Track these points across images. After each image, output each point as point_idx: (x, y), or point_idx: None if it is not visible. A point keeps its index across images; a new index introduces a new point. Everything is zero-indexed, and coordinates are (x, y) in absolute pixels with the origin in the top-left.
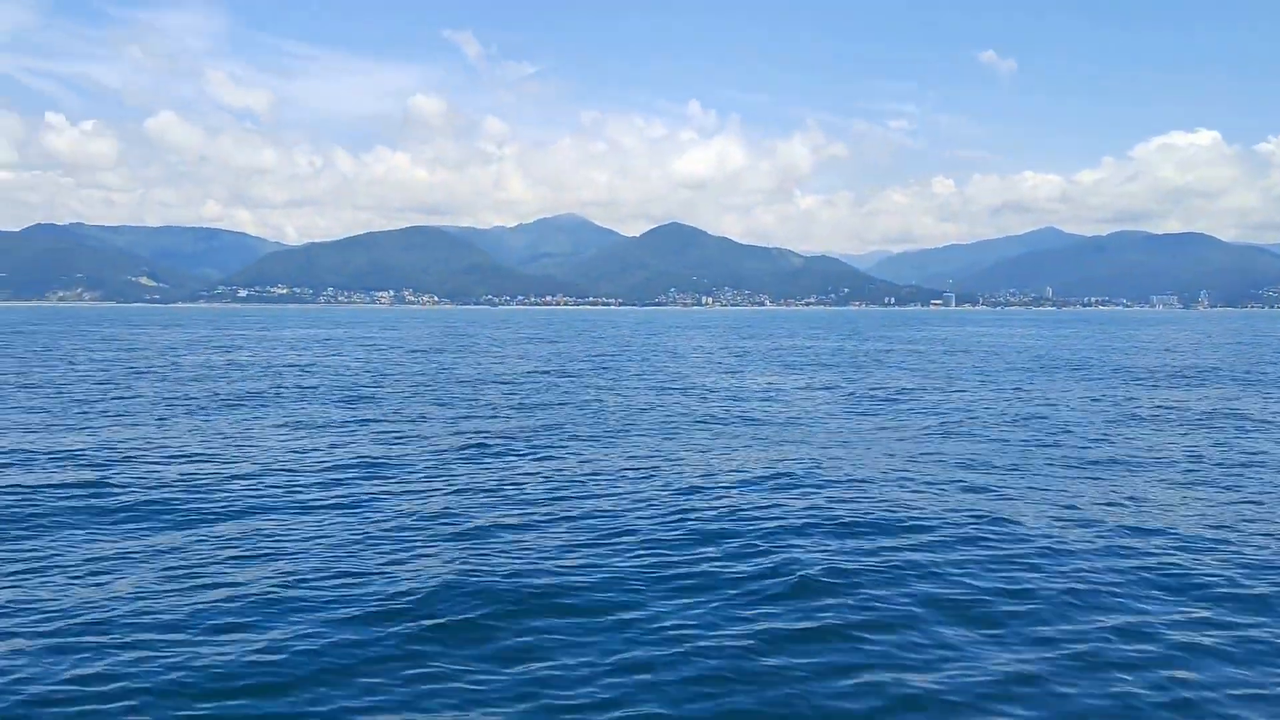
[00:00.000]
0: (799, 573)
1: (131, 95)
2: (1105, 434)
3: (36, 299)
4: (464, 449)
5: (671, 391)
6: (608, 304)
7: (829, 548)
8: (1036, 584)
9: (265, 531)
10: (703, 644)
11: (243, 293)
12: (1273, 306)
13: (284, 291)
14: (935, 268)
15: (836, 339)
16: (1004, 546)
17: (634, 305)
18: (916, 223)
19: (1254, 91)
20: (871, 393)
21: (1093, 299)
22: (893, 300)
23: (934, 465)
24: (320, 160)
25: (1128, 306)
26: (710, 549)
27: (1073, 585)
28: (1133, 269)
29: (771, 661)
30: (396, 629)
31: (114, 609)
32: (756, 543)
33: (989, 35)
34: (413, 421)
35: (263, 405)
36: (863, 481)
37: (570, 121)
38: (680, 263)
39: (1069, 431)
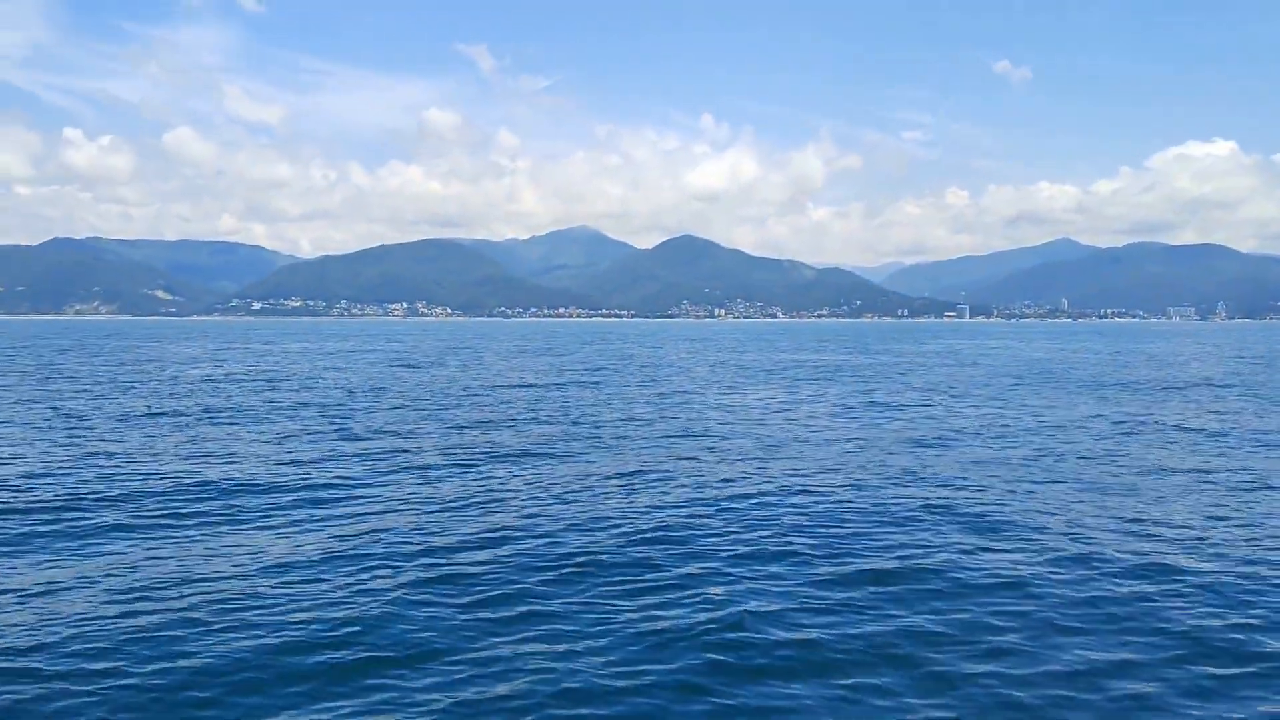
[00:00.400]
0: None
1: (149, 110)
2: (1096, 449)
3: (54, 312)
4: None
5: (666, 406)
6: (620, 316)
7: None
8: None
9: (216, 546)
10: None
11: (257, 305)
12: None
13: (298, 304)
14: (949, 279)
15: (845, 352)
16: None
17: (646, 317)
18: (930, 234)
19: (1272, 101)
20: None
21: (1109, 311)
22: (906, 312)
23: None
24: (334, 174)
25: (1144, 319)
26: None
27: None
28: (1149, 281)
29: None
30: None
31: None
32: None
33: (1003, 44)
34: (387, 436)
35: (244, 419)
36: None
37: (583, 134)
38: (692, 275)
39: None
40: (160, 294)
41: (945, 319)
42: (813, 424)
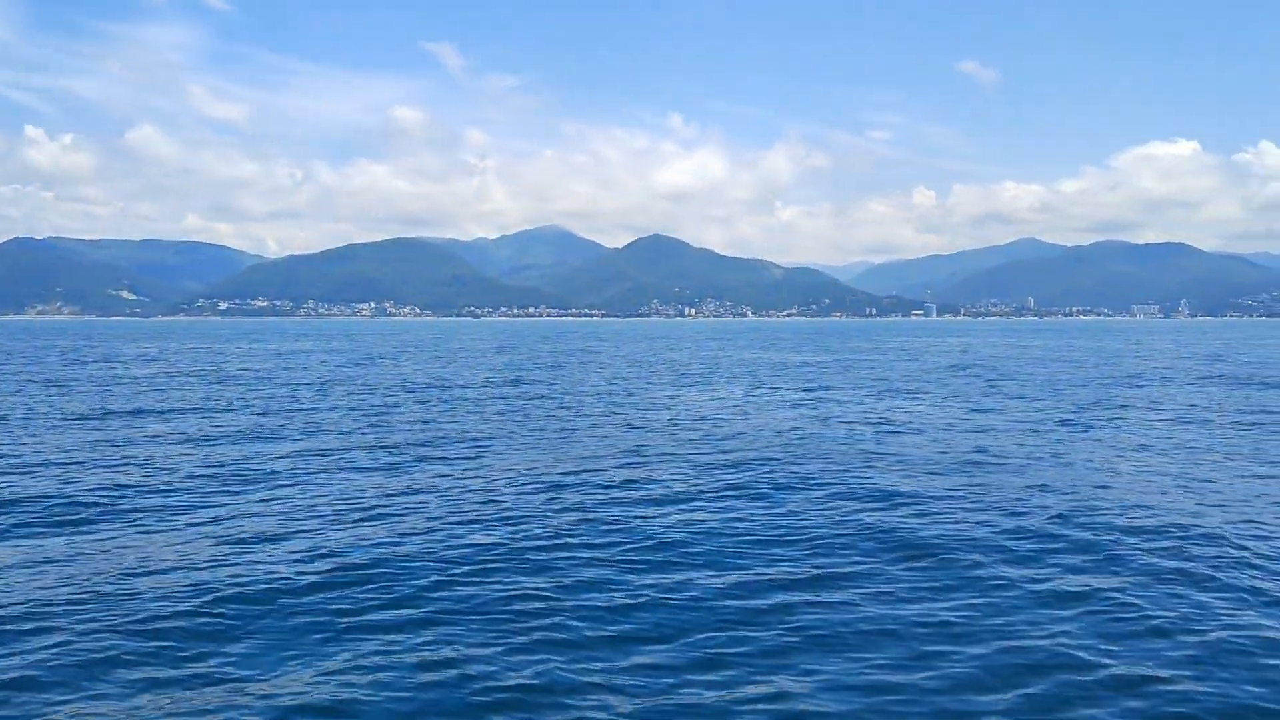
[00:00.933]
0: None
1: (111, 108)
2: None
3: (14, 313)
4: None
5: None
6: (590, 315)
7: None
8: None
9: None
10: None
11: (223, 305)
12: (1252, 315)
13: (264, 304)
14: (916, 278)
15: (807, 351)
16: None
17: (616, 317)
18: (897, 233)
19: (1233, 102)
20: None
21: (1074, 309)
22: (874, 311)
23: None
24: (301, 172)
25: (1109, 316)
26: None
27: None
28: (1114, 279)
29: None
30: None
31: None
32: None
33: (971, 45)
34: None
35: (181, 416)
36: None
37: (552, 133)
38: (662, 274)
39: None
40: (125, 294)
41: (913, 317)
42: (740, 415)
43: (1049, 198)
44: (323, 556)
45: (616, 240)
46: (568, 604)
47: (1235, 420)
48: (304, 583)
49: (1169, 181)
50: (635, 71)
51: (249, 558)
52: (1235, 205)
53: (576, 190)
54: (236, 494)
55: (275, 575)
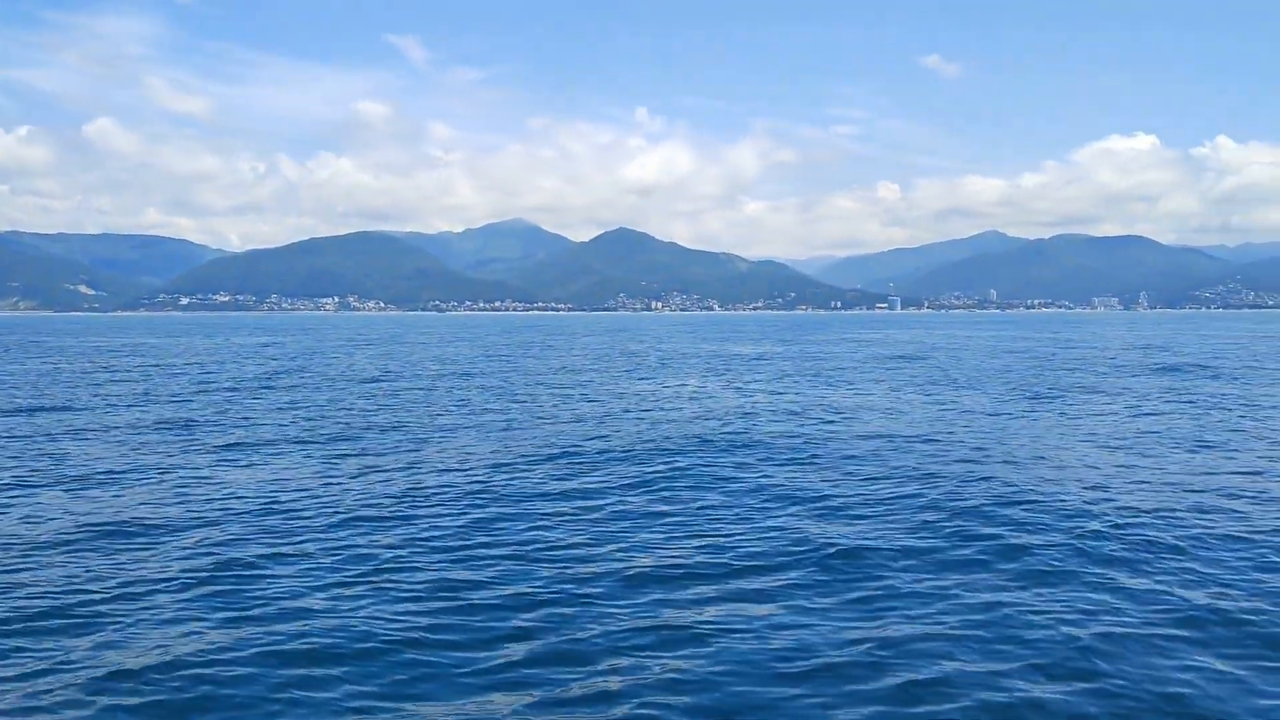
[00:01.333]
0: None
1: (68, 101)
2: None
3: None
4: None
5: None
6: (557, 309)
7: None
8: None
9: None
10: None
11: (184, 300)
12: (1209, 307)
13: (226, 299)
14: (880, 272)
15: (769, 344)
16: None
17: (583, 310)
18: (862, 228)
19: (1191, 96)
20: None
21: (1035, 301)
22: (839, 304)
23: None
24: (263, 166)
25: (1070, 308)
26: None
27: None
28: (1075, 271)
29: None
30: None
31: None
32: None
33: (934, 39)
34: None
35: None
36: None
37: (517, 127)
38: (629, 268)
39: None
40: (83, 289)
41: (877, 310)
42: (682, 403)
43: (1011, 192)
44: (204, 551)
45: (583, 234)
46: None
47: (1159, 403)
48: (179, 580)
49: (1128, 175)
50: (601, 65)
51: (131, 550)
52: (1193, 199)
53: (542, 184)
54: (131, 484)
55: (148, 569)
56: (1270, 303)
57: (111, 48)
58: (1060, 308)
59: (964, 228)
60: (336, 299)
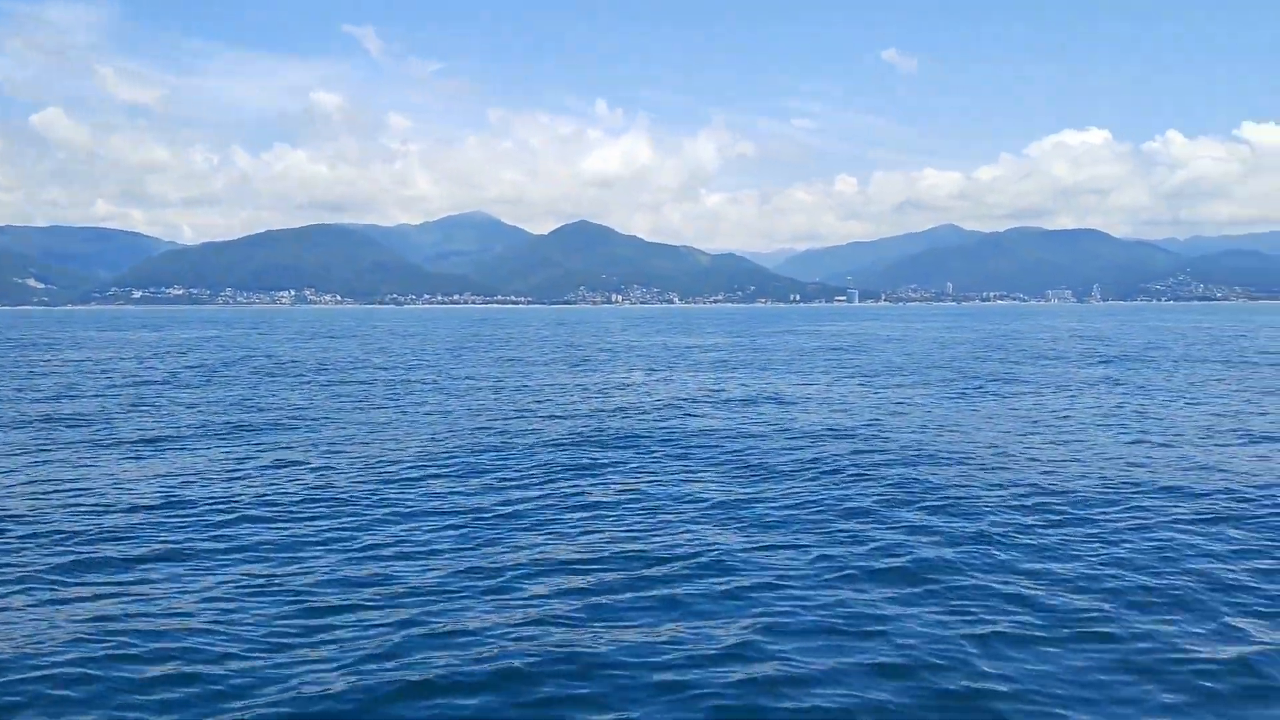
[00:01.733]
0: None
1: (16, 90)
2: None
3: None
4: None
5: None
6: (517, 302)
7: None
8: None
9: None
10: None
11: (137, 294)
12: (1160, 300)
13: (180, 292)
14: (839, 265)
15: (721, 335)
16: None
17: (543, 303)
18: (820, 221)
19: (1143, 92)
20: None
21: (991, 294)
22: (798, 297)
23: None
24: (217, 158)
25: (1025, 301)
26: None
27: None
28: (1030, 264)
29: None
30: None
31: None
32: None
33: (892, 33)
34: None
35: None
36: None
37: (476, 119)
38: (589, 261)
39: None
40: (31, 283)
41: (836, 303)
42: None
43: (967, 185)
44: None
45: (543, 227)
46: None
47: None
48: (49, 575)
49: (1081, 169)
50: (560, 57)
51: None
52: (1144, 193)
53: (502, 176)
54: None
55: None
56: (1218, 295)
57: (60, 36)
58: (1015, 300)
59: (921, 221)
60: (293, 292)
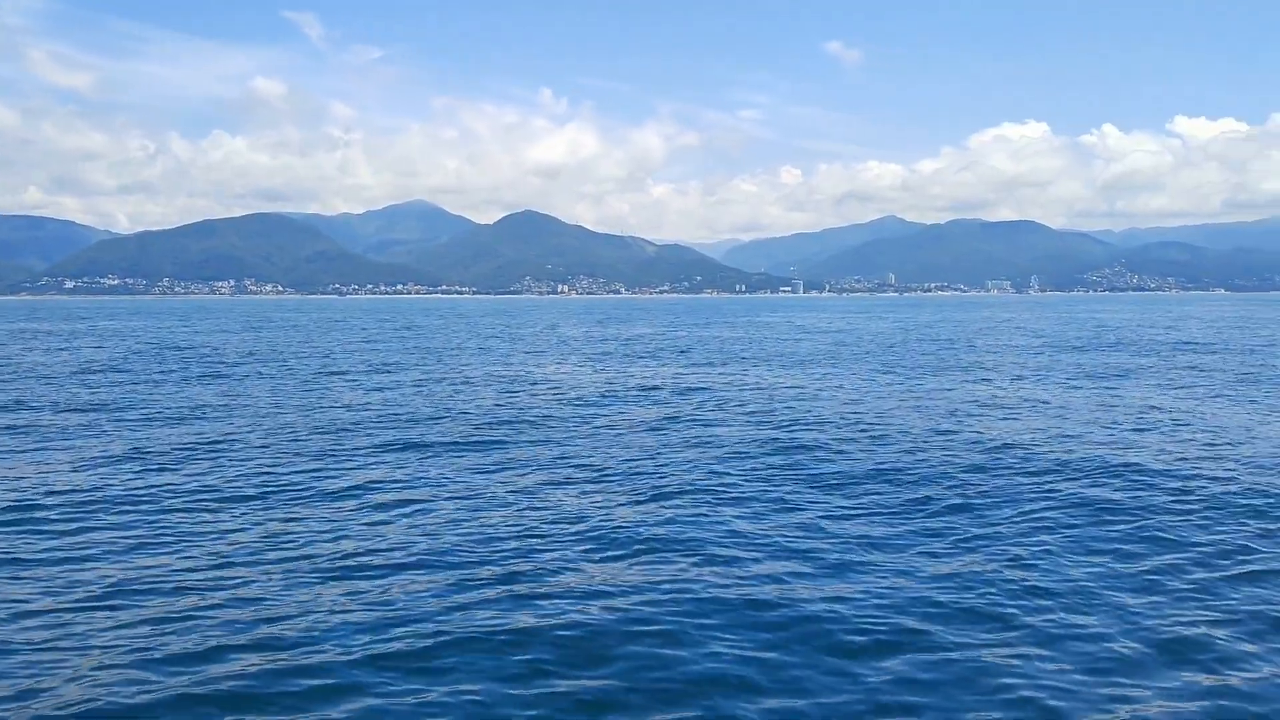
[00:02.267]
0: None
1: None
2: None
3: None
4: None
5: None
6: (461, 293)
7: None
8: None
9: None
10: None
11: (70, 284)
12: (1096, 290)
13: (115, 282)
14: (784, 255)
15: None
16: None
17: (488, 294)
18: (765, 212)
19: (1079, 86)
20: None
21: (932, 284)
22: (743, 288)
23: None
24: (153, 145)
25: (965, 291)
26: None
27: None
28: (970, 255)
29: None
30: None
31: None
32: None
33: (835, 25)
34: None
35: None
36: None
37: (419, 107)
38: (535, 251)
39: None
40: None
41: (781, 294)
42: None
43: (909, 177)
44: None
45: (487, 216)
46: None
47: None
48: None
49: (1020, 162)
50: (504, 45)
51: None
52: (1081, 185)
53: (445, 165)
54: None
55: None
56: (1152, 285)
57: None
58: (956, 291)
59: (864, 212)
60: (233, 282)
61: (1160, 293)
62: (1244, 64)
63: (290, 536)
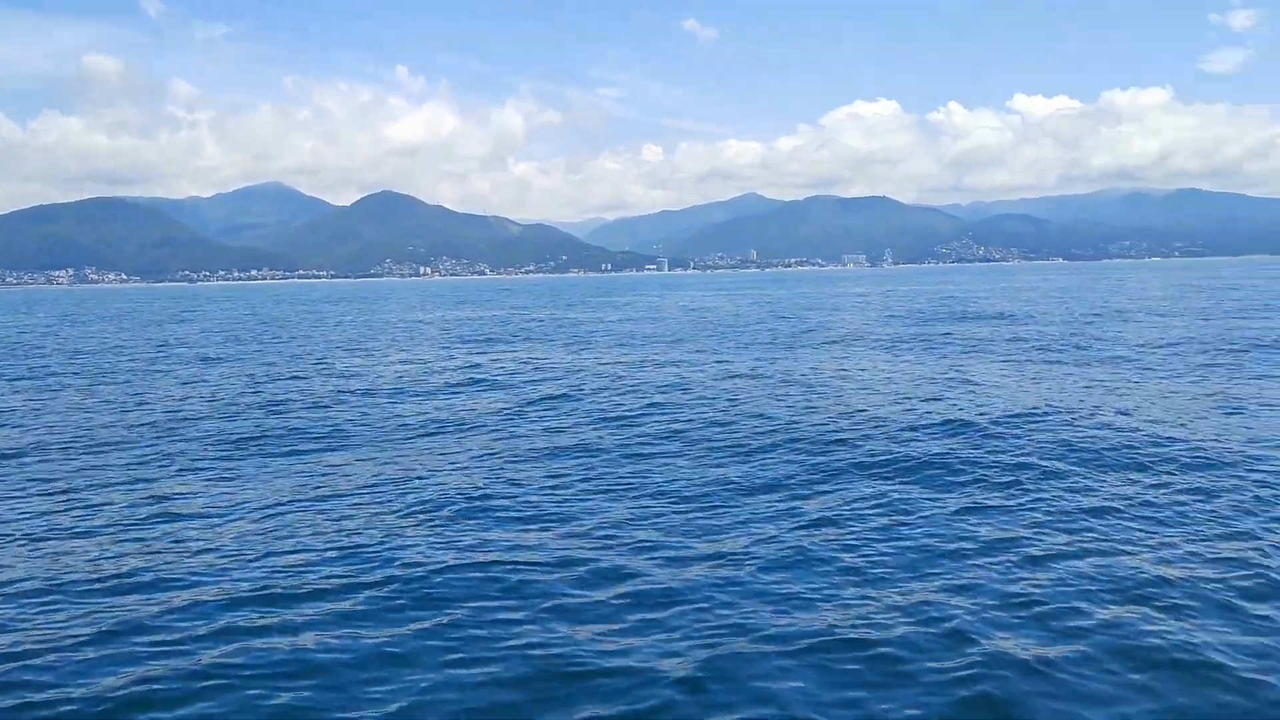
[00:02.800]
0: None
1: None
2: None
3: None
4: None
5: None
6: (319, 277)
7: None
8: None
9: None
10: None
11: None
12: (945, 262)
13: None
14: (648, 233)
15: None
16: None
17: (347, 277)
18: (628, 190)
19: (927, 65)
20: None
21: (792, 260)
22: (610, 266)
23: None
24: None
25: (823, 266)
26: None
27: None
28: (827, 231)
29: None
30: None
31: None
32: None
33: (691, 3)
34: None
35: None
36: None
37: (269, 86)
38: (395, 232)
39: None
40: None
41: (646, 271)
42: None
43: (768, 155)
44: None
45: (345, 197)
46: None
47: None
48: None
49: (873, 139)
50: (357, 22)
51: None
52: (929, 161)
53: (300, 145)
54: None
55: None
56: (997, 256)
57: None
58: (814, 265)
59: (725, 189)
60: (72, 271)
61: (1004, 262)
62: (1078, 45)
63: (66, 559)
